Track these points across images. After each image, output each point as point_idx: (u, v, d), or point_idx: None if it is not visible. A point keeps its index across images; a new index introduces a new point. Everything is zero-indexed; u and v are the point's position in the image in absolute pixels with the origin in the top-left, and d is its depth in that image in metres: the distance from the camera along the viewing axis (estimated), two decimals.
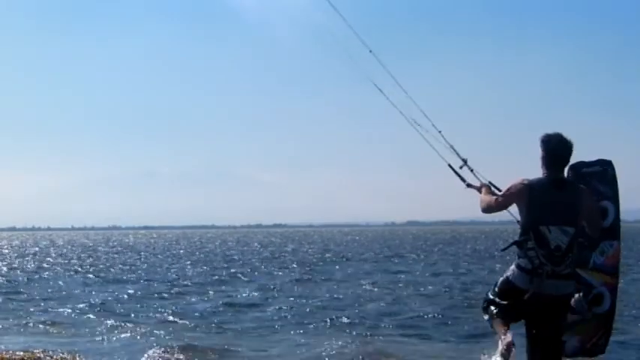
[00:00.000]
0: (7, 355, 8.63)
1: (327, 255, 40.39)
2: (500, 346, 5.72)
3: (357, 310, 14.07)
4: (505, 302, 5.80)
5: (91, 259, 37.93)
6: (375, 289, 18.37)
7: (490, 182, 6.40)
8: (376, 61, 7.24)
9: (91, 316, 13.53)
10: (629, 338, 10.58)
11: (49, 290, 19.07)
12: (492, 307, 5.97)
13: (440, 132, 6.85)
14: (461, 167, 6.72)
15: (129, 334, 11.16)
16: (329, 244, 64.99)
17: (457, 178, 6.66)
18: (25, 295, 17.90)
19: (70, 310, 14.30)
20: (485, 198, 6.04)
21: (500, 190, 6.13)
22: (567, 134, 5.70)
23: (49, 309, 14.69)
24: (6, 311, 14.52)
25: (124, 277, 24.10)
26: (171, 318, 13.20)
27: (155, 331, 11.39)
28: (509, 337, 5.64)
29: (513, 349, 5.65)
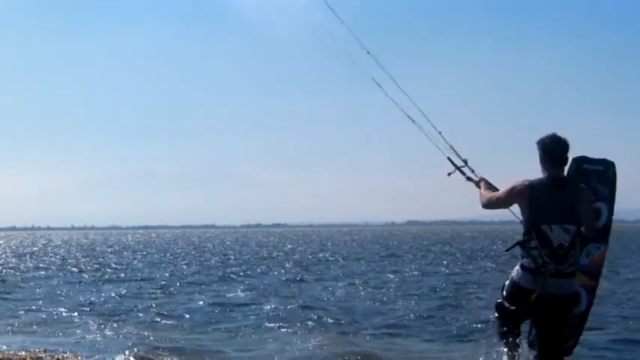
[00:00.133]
0: (8, 355, 8.66)
1: (323, 255, 40.39)
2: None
3: (346, 310, 14.11)
4: (513, 307, 5.90)
5: (86, 259, 37.93)
6: (367, 289, 18.40)
7: (483, 178, 6.47)
8: (375, 61, 7.32)
9: (82, 315, 13.53)
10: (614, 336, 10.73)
11: (43, 290, 19.09)
12: (499, 321, 6.10)
13: (440, 133, 6.93)
14: (461, 167, 6.80)
15: (116, 335, 11.16)
16: (326, 243, 64.97)
17: (457, 172, 6.76)
18: (20, 295, 17.92)
19: (61, 310, 14.31)
20: (486, 193, 6.14)
21: (497, 189, 6.22)
22: (561, 133, 5.84)
23: (42, 308, 14.69)
24: None
25: (118, 277, 24.12)
26: (159, 318, 13.21)
27: (143, 332, 11.38)
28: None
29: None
